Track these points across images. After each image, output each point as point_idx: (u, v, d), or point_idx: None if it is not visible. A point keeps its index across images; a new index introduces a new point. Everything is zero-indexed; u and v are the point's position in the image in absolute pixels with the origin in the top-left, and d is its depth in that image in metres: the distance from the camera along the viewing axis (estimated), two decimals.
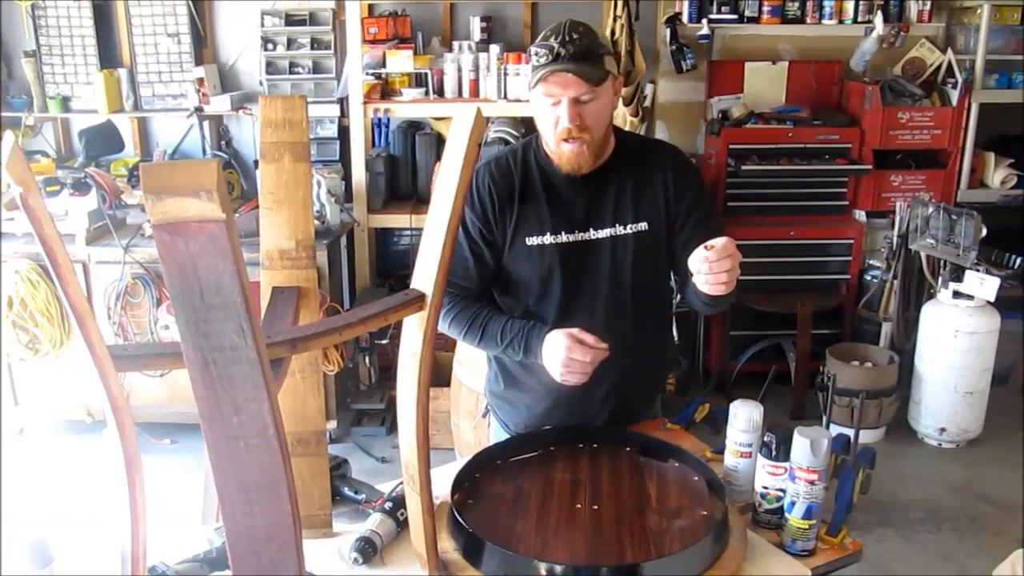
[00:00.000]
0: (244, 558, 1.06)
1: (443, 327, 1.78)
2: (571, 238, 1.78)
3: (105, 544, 1.37)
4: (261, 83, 4.43)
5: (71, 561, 1.43)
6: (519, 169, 1.80)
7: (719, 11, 4.29)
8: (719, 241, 1.52)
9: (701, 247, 1.53)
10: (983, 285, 3.61)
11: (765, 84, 4.43)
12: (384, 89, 4.22)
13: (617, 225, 1.78)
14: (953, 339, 3.75)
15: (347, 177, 4.16)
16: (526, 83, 1.75)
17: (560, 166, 1.74)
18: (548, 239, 1.77)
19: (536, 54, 1.67)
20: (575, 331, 1.67)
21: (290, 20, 4.37)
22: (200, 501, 2.24)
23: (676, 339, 3.99)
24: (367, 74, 4.11)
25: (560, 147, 1.71)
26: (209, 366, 0.94)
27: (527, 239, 1.78)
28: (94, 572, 1.42)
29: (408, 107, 4.18)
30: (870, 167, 4.23)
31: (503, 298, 1.87)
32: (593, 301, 1.80)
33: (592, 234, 1.78)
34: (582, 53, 1.63)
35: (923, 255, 3.97)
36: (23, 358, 3.77)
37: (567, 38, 1.63)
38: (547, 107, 1.69)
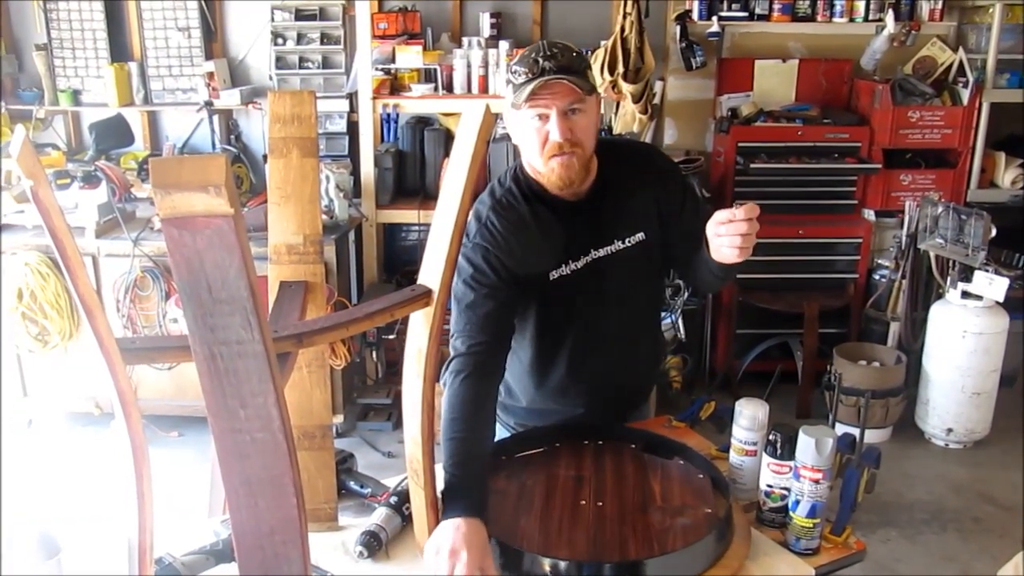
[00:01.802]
0: (250, 551, 1.07)
1: (445, 383, 1.65)
2: (580, 263, 1.75)
3: (111, 536, 1.38)
4: (271, 78, 4.45)
5: (78, 553, 1.44)
6: (521, 203, 1.73)
7: (729, 8, 4.28)
8: (744, 207, 1.46)
9: (719, 212, 1.49)
10: (992, 285, 3.60)
11: (775, 82, 4.42)
12: (393, 84, 4.22)
13: (616, 241, 1.76)
14: (961, 339, 3.73)
15: (355, 172, 4.17)
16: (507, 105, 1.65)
17: (551, 183, 1.68)
18: (564, 269, 1.74)
19: (516, 73, 1.61)
20: (466, 545, 1.35)
21: (300, 15, 4.38)
22: (206, 494, 2.24)
23: (683, 337, 3.98)
24: (376, 69, 4.12)
25: (549, 164, 1.64)
26: (216, 360, 0.95)
27: (547, 273, 1.74)
28: (100, 563, 1.43)
29: (417, 103, 4.19)
30: (879, 166, 4.21)
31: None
32: (604, 314, 1.80)
33: (594, 254, 1.76)
34: (566, 66, 1.59)
35: (932, 255, 3.95)
36: (32, 350, 3.78)
37: (548, 53, 1.59)
38: (533, 126, 1.63)
